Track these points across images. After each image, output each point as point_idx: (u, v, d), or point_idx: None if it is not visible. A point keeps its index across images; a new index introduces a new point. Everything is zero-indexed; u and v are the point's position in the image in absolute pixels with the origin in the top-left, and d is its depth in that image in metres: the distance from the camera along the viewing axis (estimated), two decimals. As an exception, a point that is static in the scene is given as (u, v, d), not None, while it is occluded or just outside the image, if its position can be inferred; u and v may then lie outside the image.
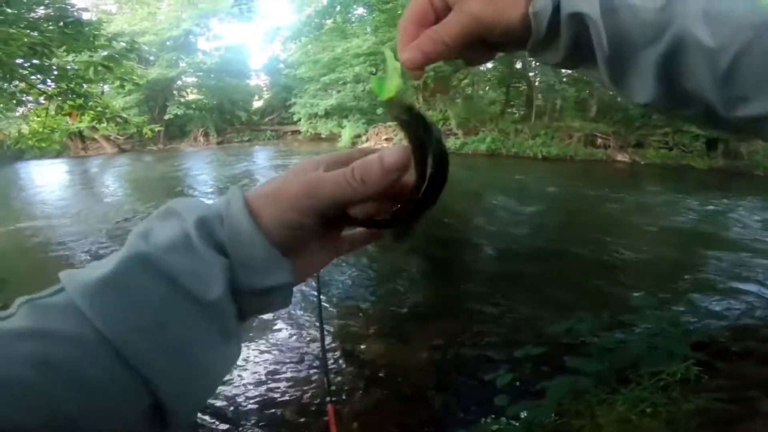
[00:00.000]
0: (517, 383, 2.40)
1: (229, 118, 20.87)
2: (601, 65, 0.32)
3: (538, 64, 14.03)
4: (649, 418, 1.62)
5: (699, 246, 5.24)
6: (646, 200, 7.75)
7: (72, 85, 4.73)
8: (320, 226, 0.30)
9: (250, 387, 2.71)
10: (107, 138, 18.02)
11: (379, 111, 17.52)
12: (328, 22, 14.81)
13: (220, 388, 2.63)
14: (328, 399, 1.52)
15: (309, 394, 2.61)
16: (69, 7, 4.19)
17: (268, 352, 3.09)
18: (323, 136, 17.94)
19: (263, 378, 2.79)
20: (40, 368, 0.21)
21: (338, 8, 14.16)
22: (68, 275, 0.26)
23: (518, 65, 14.78)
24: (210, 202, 0.30)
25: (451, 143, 13.37)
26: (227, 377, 2.72)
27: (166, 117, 18.85)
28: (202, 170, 12.75)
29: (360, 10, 14.73)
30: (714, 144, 11.38)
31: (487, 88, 17.37)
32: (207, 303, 0.26)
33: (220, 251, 0.28)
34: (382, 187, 0.29)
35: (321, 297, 3.07)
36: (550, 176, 10.06)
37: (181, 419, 0.26)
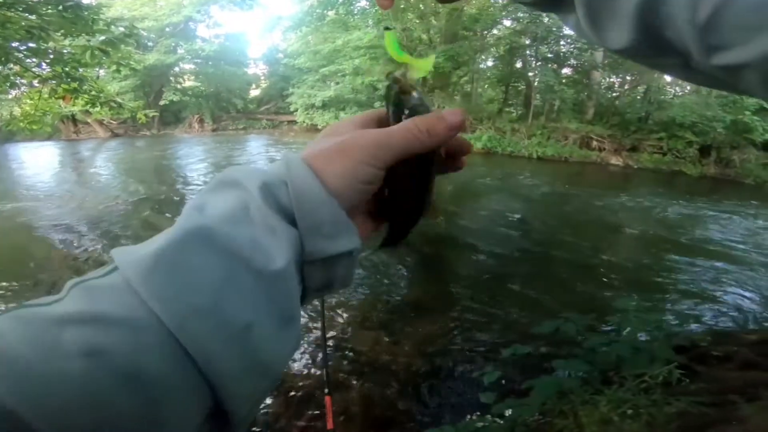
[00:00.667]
0: (503, 381, 2.45)
1: (225, 106, 20.67)
2: (578, 6, 0.31)
3: (539, 63, 14.06)
4: (630, 419, 1.67)
5: (683, 252, 5.34)
6: (635, 204, 7.85)
7: (67, 69, 4.68)
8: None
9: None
10: (100, 122, 17.78)
11: (377, 104, 17.31)
12: (330, 13, 14.69)
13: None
14: (326, 391, 1.54)
15: (302, 386, 2.64)
16: (69, -10, 4.13)
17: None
18: (319, 127, 17.83)
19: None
20: (91, 359, 0.18)
21: (341, 0, 14.05)
22: (121, 252, 0.23)
23: (518, 64, 14.78)
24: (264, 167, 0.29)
25: (447, 140, 13.31)
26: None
27: (162, 103, 18.62)
28: (193, 156, 12.64)
29: (362, 3, 14.63)
30: (707, 151, 11.50)
31: (486, 86, 17.36)
32: (269, 274, 0.24)
33: (286, 218, 0.26)
34: (444, 142, 0.31)
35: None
36: (544, 177, 10.13)
37: (239, 423, 0.24)
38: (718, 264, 4.91)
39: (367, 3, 14.36)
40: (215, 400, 0.22)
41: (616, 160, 12.18)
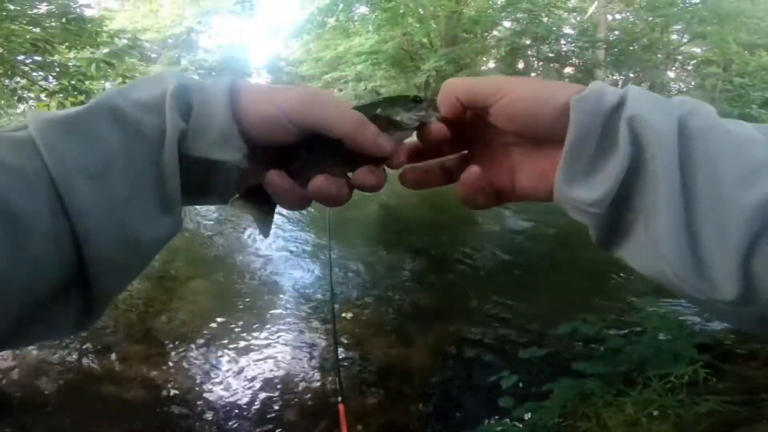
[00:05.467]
0: (521, 384, 2.39)
1: (230, 117, 20.87)
2: (666, 221, 0.24)
3: (540, 63, 14.04)
4: (658, 420, 1.62)
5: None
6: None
7: (74, 82, 4.72)
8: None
9: (251, 386, 2.69)
10: (107, 135, 18.01)
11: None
12: (331, 20, 14.81)
13: (220, 388, 2.62)
14: (339, 399, 1.50)
15: (313, 394, 2.60)
16: (72, 3, 4.18)
17: (271, 348, 3.08)
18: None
19: (265, 376, 2.78)
20: None
21: (341, 6, 14.16)
22: (34, 113, 0.25)
23: (520, 65, 14.78)
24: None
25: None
26: (223, 374, 2.72)
27: (167, 115, 18.85)
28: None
29: (362, 9, 14.73)
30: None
31: (488, 89, 17.33)
32: (156, 159, 0.25)
33: (184, 116, 0.27)
34: (361, 150, 0.31)
35: (333, 294, 3.05)
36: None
37: (103, 295, 0.25)
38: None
39: (367, 9, 14.45)
40: (80, 264, 0.23)
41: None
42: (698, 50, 14.42)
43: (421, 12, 13.88)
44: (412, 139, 0.35)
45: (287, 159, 0.32)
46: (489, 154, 0.34)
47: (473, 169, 0.32)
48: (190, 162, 0.27)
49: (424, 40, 14.71)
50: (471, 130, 0.35)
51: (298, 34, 16.71)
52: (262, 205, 0.33)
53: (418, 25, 14.38)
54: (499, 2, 14.13)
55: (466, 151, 0.37)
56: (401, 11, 13.28)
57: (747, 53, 12.36)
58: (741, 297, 0.22)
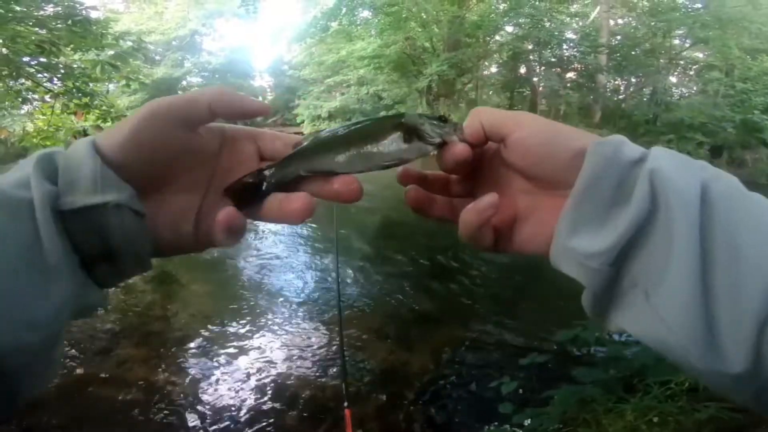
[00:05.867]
0: (521, 391, 2.39)
1: (233, 120, 20.90)
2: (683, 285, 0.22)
3: (543, 68, 14.06)
4: (658, 427, 1.61)
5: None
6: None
7: (78, 84, 4.75)
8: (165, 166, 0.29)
9: (250, 390, 2.69)
10: (111, 137, 18.09)
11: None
12: (334, 24, 14.87)
13: (219, 392, 2.61)
14: (345, 404, 1.50)
15: (313, 399, 2.59)
16: (77, 5, 4.22)
17: (270, 352, 3.08)
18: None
19: (264, 380, 2.77)
20: None
21: (344, 10, 14.23)
22: None
23: (522, 70, 14.81)
24: None
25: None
26: (222, 377, 2.71)
27: (170, 117, 18.92)
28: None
29: (365, 13, 14.80)
30: (719, 151, 11.37)
31: (491, 93, 17.39)
32: (34, 229, 0.24)
33: (52, 179, 0.26)
34: (234, 109, 0.32)
35: (340, 300, 3.05)
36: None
37: (17, 391, 0.24)
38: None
39: (370, 13, 14.52)
40: None
41: (625, 164, 12.05)
42: (700, 55, 14.40)
43: (424, 16, 13.93)
44: (415, 165, 0.35)
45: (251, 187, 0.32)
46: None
47: (491, 196, 0.30)
48: (76, 221, 0.26)
49: (427, 45, 14.77)
50: (483, 168, 0.35)
51: (301, 38, 16.80)
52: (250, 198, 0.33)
53: (420, 30, 14.44)
54: (501, 7, 14.18)
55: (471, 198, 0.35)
56: (404, 15, 13.34)
57: (749, 58, 12.31)
58: (749, 370, 0.21)
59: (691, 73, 15.08)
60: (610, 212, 0.25)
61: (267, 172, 0.33)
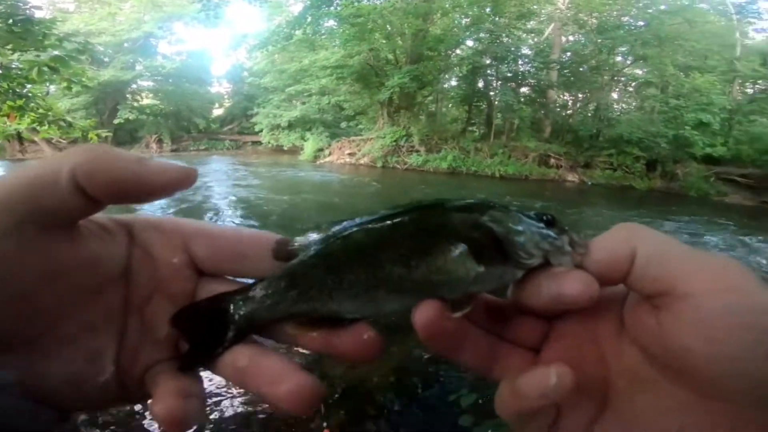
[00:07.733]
0: (481, 401, 2.43)
1: (186, 125, 20.06)
2: None
3: (499, 83, 14.67)
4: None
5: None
6: (589, 218, 8.27)
7: (13, 85, 4.39)
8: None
9: (228, 408, 2.56)
10: (48, 141, 16.72)
11: (343, 125, 17.57)
12: (298, 32, 14.76)
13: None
14: (324, 425, 1.47)
15: (282, 414, 2.50)
16: (21, 4, 3.91)
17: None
18: (285, 148, 17.66)
19: (239, 399, 2.65)
20: None
21: (309, 19, 14.16)
22: None
23: (480, 84, 15.38)
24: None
25: (413, 159, 13.60)
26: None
27: (116, 121, 17.82)
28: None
29: (330, 23, 14.83)
30: (653, 166, 12.31)
31: (450, 106, 17.88)
32: None
33: None
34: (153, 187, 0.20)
35: None
36: (505, 196, 10.45)
37: None
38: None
39: (336, 23, 14.56)
40: None
41: (572, 177, 12.80)
42: (639, 72, 15.44)
43: (389, 28, 14.16)
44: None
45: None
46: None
47: (564, 371, 0.19)
48: None
49: (390, 57, 14.99)
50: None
51: (263, 45, 16.54)
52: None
53: (384, 41, 14.65)
54: (464, 22, 14.68)
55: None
56: (369, 27, 13.49)
57: (682, 75, 13.09)
58: None
59: (631, 89, 16.26)
60: None
61: (236, 301, 0.21)
